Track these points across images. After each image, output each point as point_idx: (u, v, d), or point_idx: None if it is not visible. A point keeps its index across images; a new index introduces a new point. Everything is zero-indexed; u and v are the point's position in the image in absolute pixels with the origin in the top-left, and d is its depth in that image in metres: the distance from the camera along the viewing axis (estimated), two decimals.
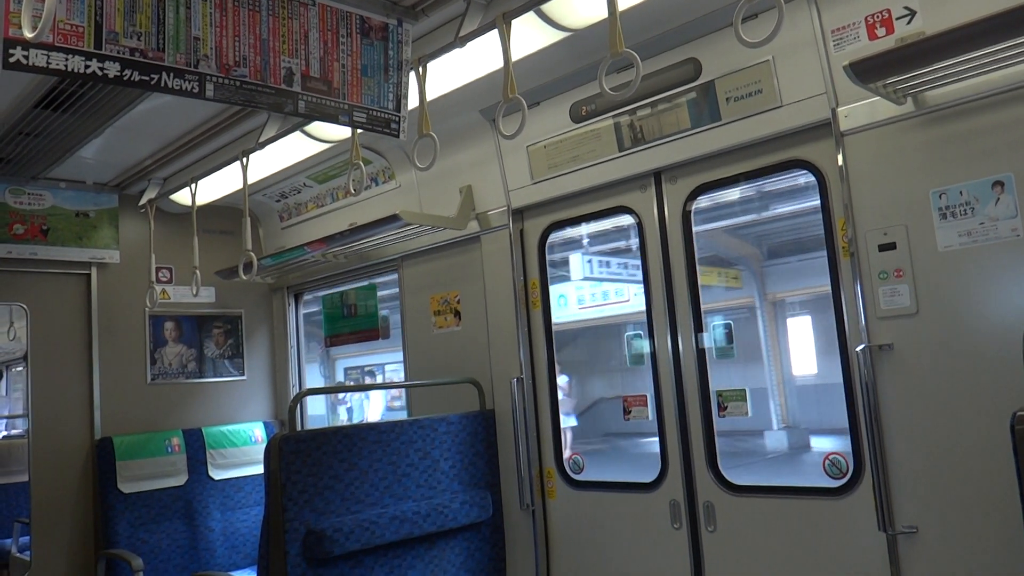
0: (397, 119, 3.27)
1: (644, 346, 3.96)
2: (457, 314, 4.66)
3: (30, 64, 2.43)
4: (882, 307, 3.01)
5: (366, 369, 15.25)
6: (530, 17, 3.17)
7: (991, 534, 2.75)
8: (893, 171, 3.00)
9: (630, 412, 4.07)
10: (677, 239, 3.78)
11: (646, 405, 3.99)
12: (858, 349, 3.04)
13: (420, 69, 3.31)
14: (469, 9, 3.25)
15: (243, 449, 5.65)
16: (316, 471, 3.68)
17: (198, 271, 4.95)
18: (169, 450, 5.37)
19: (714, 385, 3.70)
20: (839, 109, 3.12)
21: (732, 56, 3.41)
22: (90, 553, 5.15)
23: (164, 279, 5.68)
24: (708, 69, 3.51)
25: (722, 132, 3.52)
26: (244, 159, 4.38)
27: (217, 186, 5.11)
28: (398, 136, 3.30)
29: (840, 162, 3.12)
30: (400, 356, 5.08)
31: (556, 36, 3.39)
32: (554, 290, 4.40)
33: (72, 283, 5.35)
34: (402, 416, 4.81)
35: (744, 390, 3.68)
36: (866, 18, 3.02)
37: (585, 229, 7.19)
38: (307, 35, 3.00)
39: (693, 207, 3.75)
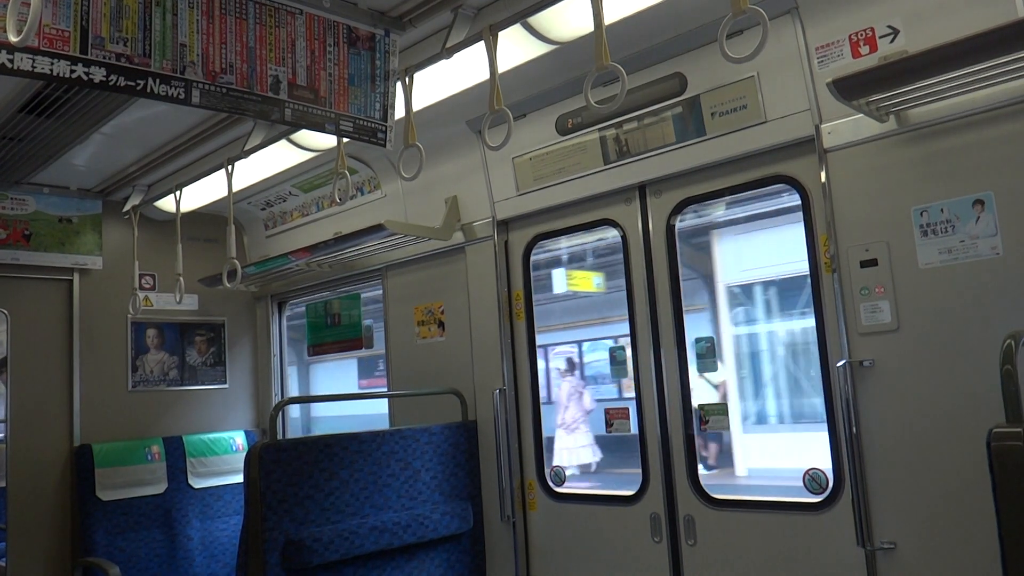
0: (384, 129, 3.27)
1: None
2: (441, 325, 4.65)
3: (15, 68, 2.42)
4: (863, 323, 3.02)
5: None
6: (517, 29, 3.19)
7: (969, 551, 2.76)
8: (875, 188, 3.02)
9: (612, 424, 4.07)
10: (661, 252, 3.79)
11: (627, 418, 4.00)
12: (839, 365, 3.05)
13: (407, 79, 3.32)
14: (456, 20, 3.26)
15: (224, 458, 5.61)
16: (296, 480, 3.66)
17: (181, 278, 4.92)
18: (149, 458, 5.33)
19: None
20: (823, 126, 3.14)
21: (717, 71, 3.43)
22: (67, 561, 5.10)
23: (147, 286, 5.65)
24: (693, 84, 3.53)
25: (707, 147, 3.53)
26: (229, 167, 4.37)
27: (202, 193, 5.09)
28: (385, 146, 3.30)
29: (823, 178, 3.14)
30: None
31: (542, 49, 3.41)
32: None
33: (54, 289, 5.30)
34: None
35: (725, 404, 3.69)
36: (850, 36, 3.05)
37: None
38: (294, 44, 3.00)
39: (677, 221, 3.77)
